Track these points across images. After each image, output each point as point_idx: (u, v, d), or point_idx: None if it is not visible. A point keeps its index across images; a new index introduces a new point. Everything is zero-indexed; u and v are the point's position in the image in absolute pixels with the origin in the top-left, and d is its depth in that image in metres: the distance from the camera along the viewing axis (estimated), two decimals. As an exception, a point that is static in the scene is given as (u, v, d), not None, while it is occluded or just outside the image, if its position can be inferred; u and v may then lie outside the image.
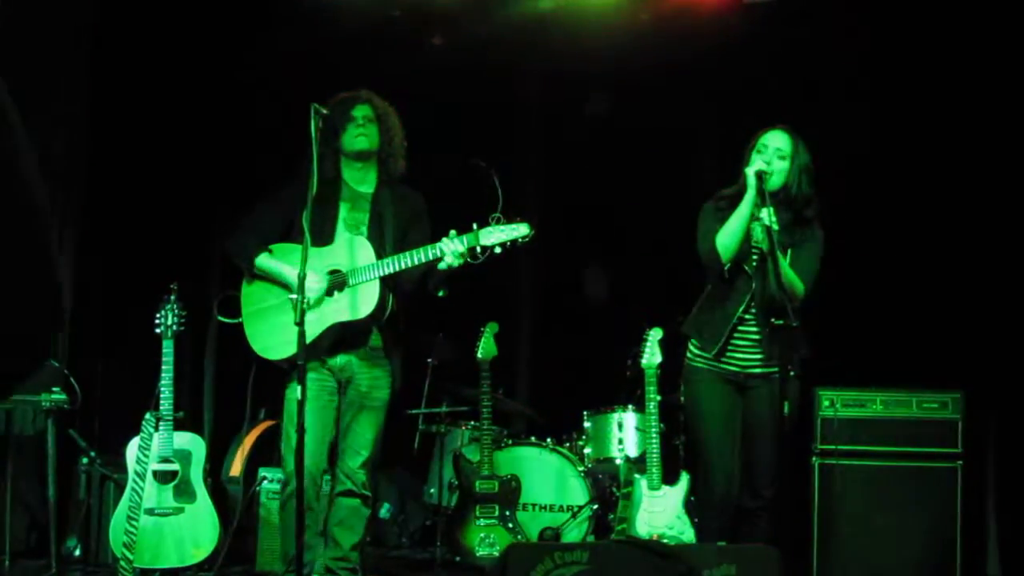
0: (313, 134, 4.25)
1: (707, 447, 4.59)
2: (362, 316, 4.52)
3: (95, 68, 6.30)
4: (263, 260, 4.63)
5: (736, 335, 4.54)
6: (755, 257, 4.50)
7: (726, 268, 4.47)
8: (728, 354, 4.55)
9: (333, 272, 4.56)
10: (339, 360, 4.63)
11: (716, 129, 6.33)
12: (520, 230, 4.38)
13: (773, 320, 4.32)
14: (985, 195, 5.97)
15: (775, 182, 4.44)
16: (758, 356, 4.52)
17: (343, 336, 4.58)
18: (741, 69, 6.36)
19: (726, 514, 4.55)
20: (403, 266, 4.47)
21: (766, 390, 4.51)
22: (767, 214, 4.28)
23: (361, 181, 4.74)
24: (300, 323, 4.11)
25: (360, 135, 4.67)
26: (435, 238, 4.50)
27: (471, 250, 4.39)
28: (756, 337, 4.52)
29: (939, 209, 6.07)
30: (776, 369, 4.42)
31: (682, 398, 4.94)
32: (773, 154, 4.45)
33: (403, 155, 4.77)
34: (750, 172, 4.38)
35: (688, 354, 4.72)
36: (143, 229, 6.43)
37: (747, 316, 4.52)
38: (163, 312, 5.20)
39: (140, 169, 6.45)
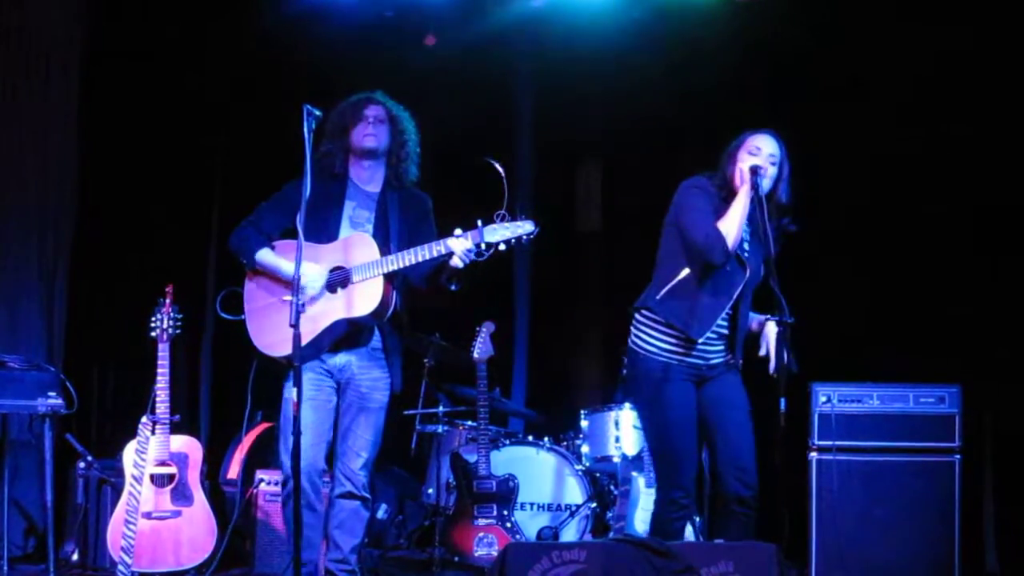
0: (306, 135, 4.24)
1: (676, 452, 4.43)
2: (364, 313, 4.50)
3: (89, 65, 6.29)
4: (263, 254, 4.62)
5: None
6: (746, 250, 4.48)
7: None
8: (699, 346, 4.47)
9: (336, 269, 4.55)
10: (340, 359, 4.61)
11: (704, 126, 6.33)
12: (525, 227, 4.37)
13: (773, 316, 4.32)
14: (980, 188, 5.97)
15: (764, 186, 4.41)
16: (721, 348, 4.49)
17: (345, 334, 4.57)
18: (732, 67, 6.35)
19: (687, 519, 4.51)
20: (407, 263, 4.45)
21: (728, 377, 4.47)
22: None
23: (368, 181, 4.72)
24: (295, 324, 4.10)
25: (369, 134, 4.66)
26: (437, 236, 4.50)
27: (476, 247, 4.39)
28: (724, 331, 4.48)
29: (933, 203, 6.07)
30: (730, 357, 4.45)
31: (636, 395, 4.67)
32: (767, 159, 4.43)
33: (415, 161, 4.74)
34: (745, 167, 4.36)
35: (647, 346, 4.44)
36: (138, 232, 6.43)
37: (729, 309, 4.49)
38: (159, 315, 5.19)
39: (135, 171, 6.44)
